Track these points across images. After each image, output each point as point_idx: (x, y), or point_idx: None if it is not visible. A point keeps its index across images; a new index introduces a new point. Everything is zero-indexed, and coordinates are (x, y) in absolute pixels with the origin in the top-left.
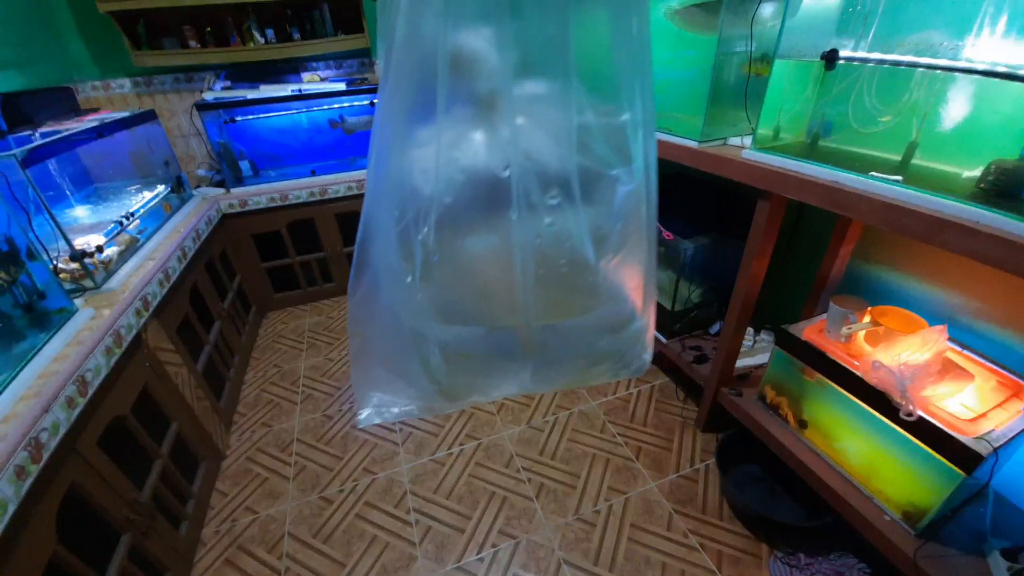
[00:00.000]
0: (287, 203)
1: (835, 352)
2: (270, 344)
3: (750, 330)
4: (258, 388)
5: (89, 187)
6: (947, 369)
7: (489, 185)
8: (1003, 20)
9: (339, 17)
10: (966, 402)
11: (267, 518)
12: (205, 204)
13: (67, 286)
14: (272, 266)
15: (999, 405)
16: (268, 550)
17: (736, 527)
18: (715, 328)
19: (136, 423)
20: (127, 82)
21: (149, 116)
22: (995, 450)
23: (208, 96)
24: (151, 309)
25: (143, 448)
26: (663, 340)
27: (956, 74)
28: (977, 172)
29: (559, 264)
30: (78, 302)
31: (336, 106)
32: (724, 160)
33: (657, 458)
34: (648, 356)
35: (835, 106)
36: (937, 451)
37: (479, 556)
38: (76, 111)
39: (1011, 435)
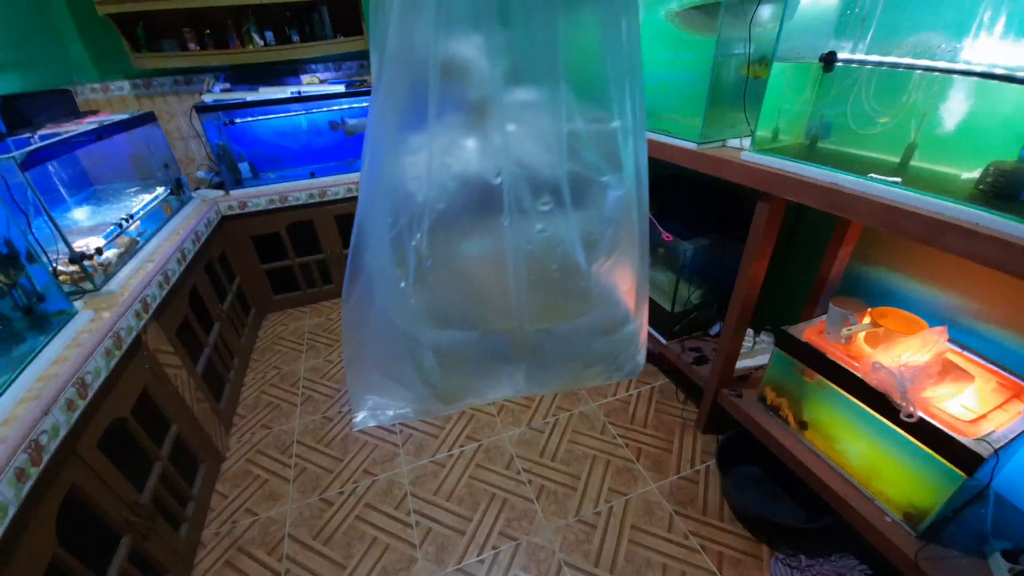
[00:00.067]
0: (286, 205)
1: (835, 353)
2: (270, 346)
3: (750, 331)
4: (258, 390)
5: (88, 189)
6: (947, 370)
7: (481, 191)
8: (1001, 22)
9: (338, 19)
10: (966, 403)
11: (267, 520)
12: (204, 206)
13: (66, 288)
14: (271, 268)
15: (999, 406)
16: (268, 552)
17: (737, 528)
18: (715, 329)
19: (136, 425)
20: (126, 84)
21: (148, 118)
22: (996, 451)
23: (207, 98)
24: (151, 311)
25: (143, 450)
26: (663, 341)
27: (954, 76)
28: (976, 174)
29: (551, 269)
30: (77, 304)
31: (335, 108)
32: (723, 162)
33: (657, 459)
34: (642, 358)
35: (834, 108)
36: (938, 452)
37: (480, 558)
38: (75, 113)
39: (1012, 436)
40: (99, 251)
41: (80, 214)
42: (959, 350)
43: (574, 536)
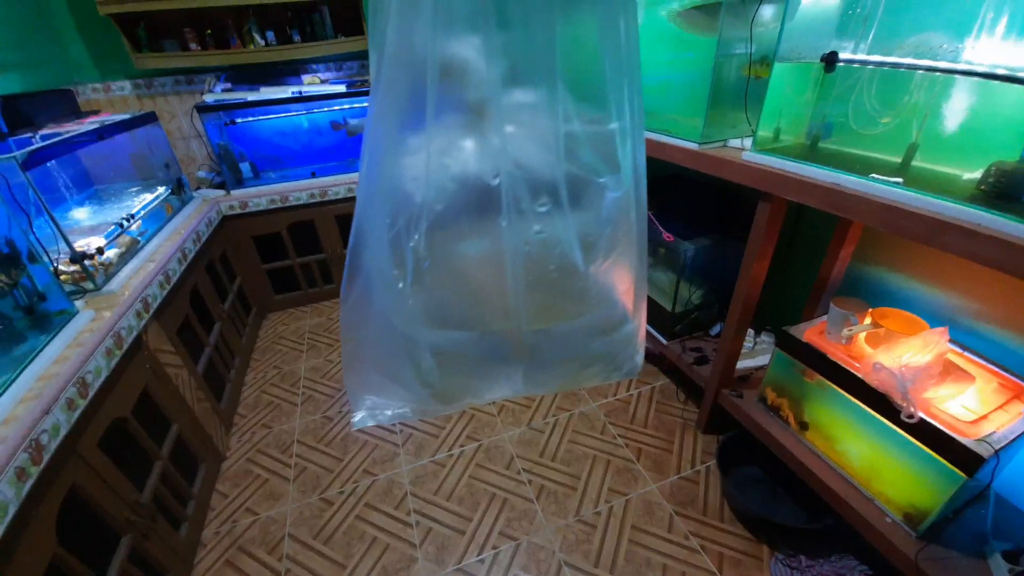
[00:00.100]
0: (287, 205)
1: (836, 354)
2: (270, 345)
3: (750, 332)
4: (258, 389)
5: (89, 189)
6: (948, 371)
7: (479, 192)
8: (1003, 22)
9: (339, 19)
10: (967, 404)
11: (267, 519)
12: (205, 206)
13: (67, 288)
14: (272, 268)
15: (1000, 407)
16: (268, 551)
17: (737, 529)
18: (716, 329)
19: (136, 425)
20: (127, 84)
21: (149, 118)
22: (996, 452)
23: (208, 98)
24: (151, 311)
25: (143, 450)
26: (664, 341)
27: (956, 76)
28: (977, 174)
29: (549, 270)
30: (78, 304)
31: (336, 108)
32: (724, 162)
33: (658, 460)
34: (640, 358)
35: (835, 108)
36: (938, 453)
37: (480, 558)
38: (76, 113)
39: (1012, 437)
40: (100, 251)
41: (81, 214)
42: (960, 351)
43: (574, 536)
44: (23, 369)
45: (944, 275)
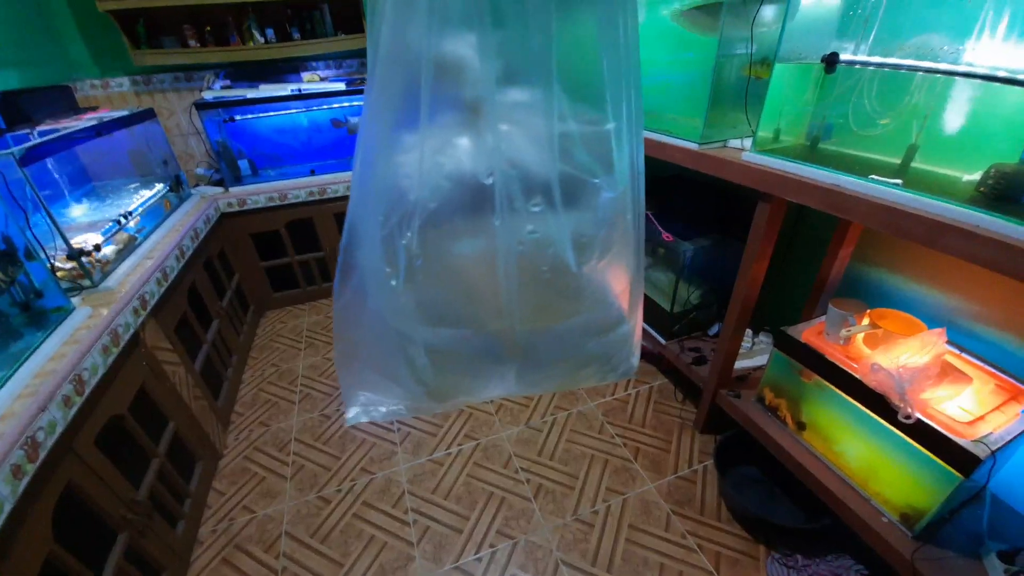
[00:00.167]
0: (286, 202)
1: (834, 354)
2: (268, 343)
3: (749, 332)
4: (256, 387)
5: (87, 185)
6: (945, 372)
7: (473, 191)
8: (1003, 24)
9: (339, 17)
10: (964, 405)
11: (264, 517)
12: (204, 203)
13: (64, 285)
14: (271, 265)
15: (997, 408)
16: (265, 549)
17: (734, 528)
18: (714, 329)
19: (133, 422)
20: (126, 81)
21: (148, 115)
22: (993, 453)
23: (207, 95)
24: (149, 308)
25: (140, 447)
26: (662, 341)
27: (956, 78)
28: (977, 176)
29: (542, 270)
30: (75, 301)
31: (336, 106)
32: (724, 162)
33: (655, 459)
34: (636, 360)
35: (835, 109)
36: (935, 454)
37: (477, 556)
38: (75, 110)
39: (1009, 438)
40: (97, 248)
41: (79, 210)
42: (958, 352)
43: (572, 535)
44: (19, 366)
45: (942, 277)
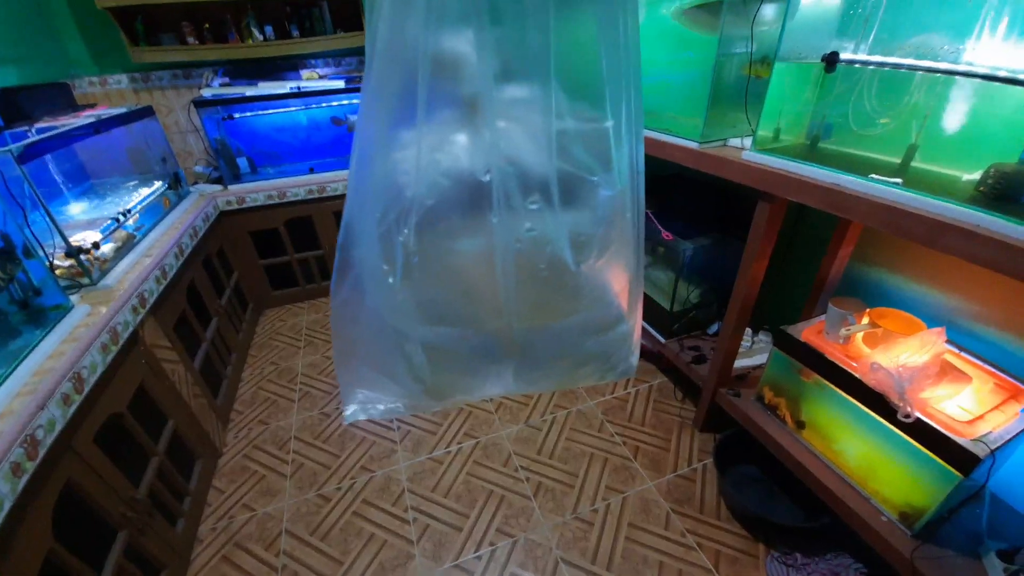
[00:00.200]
0: (285, 200)
1: (833, 353)
2: (267, 341)
3: (748, 331)
4: (255, 386)
5: (86, 183)
6: (945, 371)
7: (470, 188)
8: (1004, 24)
9: (338, 15)
10: (964, 404)
11: (264, 515)
12: (202, 201)
13: (63, 283)
14: (270, 263)
15: (996, 407)
16: (265, 547)
17: (733, 527)
18: (714, 328)
19: (133, 420)
20: (124, 78)
21: (146, 112)
22: (992, 452)
23: (206, 93)
24: (148, 306)
25: (140, 445)
26: (662, 340)
27: (956, 77)
28: (977, 175)
29: (540, 268)
30: (74, 299)
31: (335, 104)
32: (724, 161)
33: (655, 458)
34: (635, 359)
35: (835, 108)
36: (934, 453)
37: (477, 554)
38: (73, 107)
39: (1008, 437)
40: (96, 245)
41: (77, 208)
42: (957, 351)
43: (571, 533)
44: (18, 364)
45: (942, 276)
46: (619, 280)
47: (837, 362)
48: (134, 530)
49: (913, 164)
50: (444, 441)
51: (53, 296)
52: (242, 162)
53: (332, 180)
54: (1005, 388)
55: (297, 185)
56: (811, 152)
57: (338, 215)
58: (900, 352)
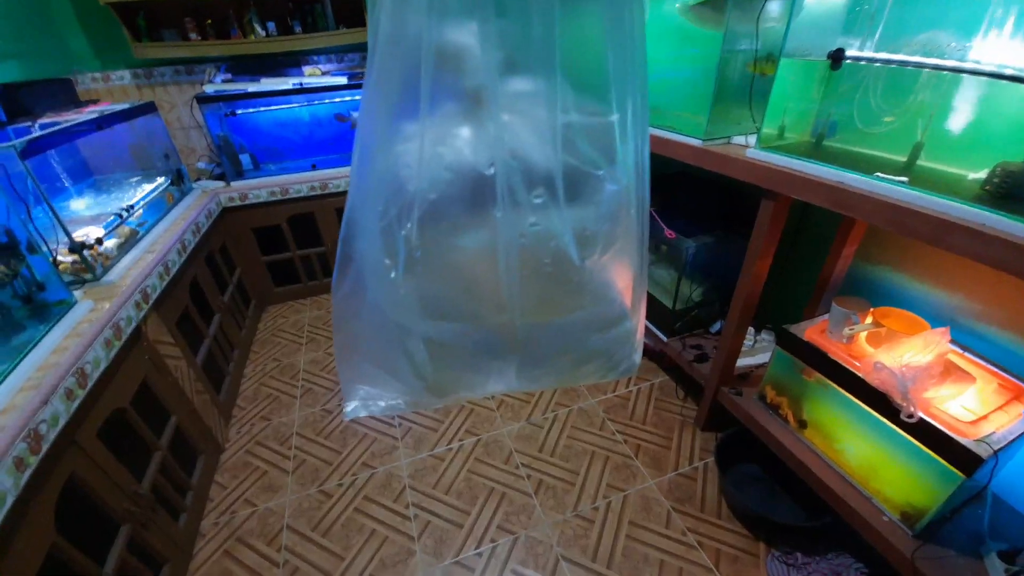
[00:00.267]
0: (288, 197)
1: (837, 353)
2: (270, 338)
3: (751, 330)
4: (257, 382)
5: (88, 179)
6: (949, 371)
7: (473, 182)
8: (1011, 21)
9: (341, 11)
10: (967, 404)
11: (266, 511)
12: (205, 197)
13: (66, 278)
14: (272, 260)
15: (1000, 408)
16: (267, 543)
17: (734, 526)
18: (716, 327)
19: (136, 416)
20: (127, 74)
21: (149, 108)
22: (995, 453)
23: (208, 89)
24: (151, 302)
25: (143, 440)
26: (664, 338)
27: (963, 75)
28: (983, 174)
29: (544, 263)
30: (77, 294)
31: (337, 100)
32: (728, 159)
33: (656, 456)
34: (638, 357)
35: (840, 106)
36: (937, 453)
37: (478, 551)
38: (75, 103)
39: (1011, 438)
40: (99, 241)
41: (80, 204)
42: (961, 351)
43: (572, 531)
44: (22, 359)
45: (946, 275)
46: (623, 277)
47: (840, 361)
48: (137, 524)
49: (919, 162)
50: (445, 438)
51: (56, 291)
52: (245, 158)
53: (334, 177)
54: (1009, 389)
55: (299, 182)
56: (816, 150)
57: (340, 212)
58: (904, 352)
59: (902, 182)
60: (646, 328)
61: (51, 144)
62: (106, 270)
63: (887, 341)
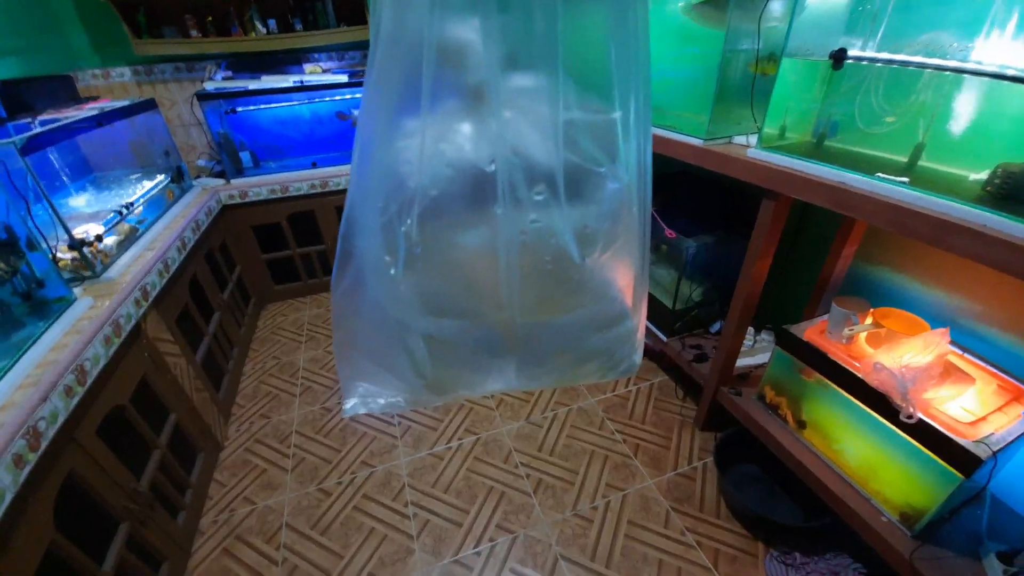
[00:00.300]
0: (288, 195)
1: (836, 353)
2: (269, 336)
3: (751, 330)
4: (257, 380)
5: (89, 176)
6: (948, 372)
7: (474, 178)
8: (1013, 22)
9: (342, 8)
10: (966, 405)
11: (265, 509)
12: (205, 195)
13: (66, 275)
14: (272, 258)
15: (999, 409)
16: (266, 540)
17: (733, 525)
18: (716, 327)
19: (135, 413)
20: (127, 71)
21: (149, 105)
22: (994, 454)
23: (209, 86)
24: (150, 299)
25: (142, 438)
26: (663, 338)
27: (964, 76)
28: (984, 175)
29: (544, 261)
30: (77, 291)
31: (338, 98)
32: (729, 159)
33: (655, 456)
34: (638, 357)
35: (842, 106)
36: (936, 454)
37: (476, 550)
38: (76, 99)
39: (1010, 439)
40: (99, 238)
41: (80, 201)
42: (960, 352)
43: (571, 530)
44: (21, 355)
45: (946, 276)
46: (624, 276)
47: (840, 362)
48: (136, 522)
49: (920, 163)
50: (445, 437)
51: (56, 288)
52: (245, 156)
53: (335, 175)
54: (1008, 390)
55: (300, 180)
56: (817, 150)
57: (341, 210)
58: (903, 352)
59: (903, 183)
60: (646, 328)
61: (51, 141)
62: (106, 267)
63: (887, 342)
